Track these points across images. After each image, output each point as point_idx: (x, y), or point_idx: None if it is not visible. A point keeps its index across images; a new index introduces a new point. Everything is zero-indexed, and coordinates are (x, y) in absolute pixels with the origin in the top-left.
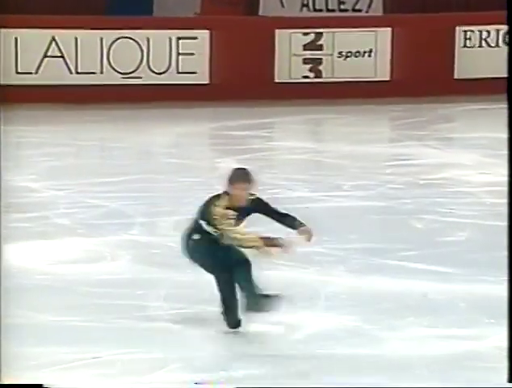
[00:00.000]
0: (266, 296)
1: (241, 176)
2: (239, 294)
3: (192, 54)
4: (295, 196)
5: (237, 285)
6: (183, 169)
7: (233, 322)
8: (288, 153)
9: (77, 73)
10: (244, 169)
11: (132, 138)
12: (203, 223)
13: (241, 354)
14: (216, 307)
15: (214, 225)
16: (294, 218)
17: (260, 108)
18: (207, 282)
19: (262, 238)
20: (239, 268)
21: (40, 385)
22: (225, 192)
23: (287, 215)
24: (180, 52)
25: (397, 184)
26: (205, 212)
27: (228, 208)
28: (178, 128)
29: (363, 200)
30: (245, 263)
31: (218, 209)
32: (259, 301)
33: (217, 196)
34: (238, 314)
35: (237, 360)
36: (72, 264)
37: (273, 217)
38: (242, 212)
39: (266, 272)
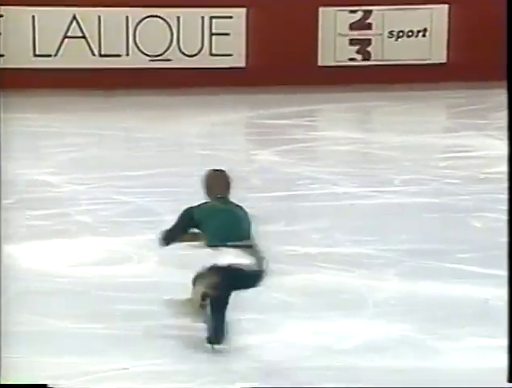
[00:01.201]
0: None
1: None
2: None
3: (227, 34)
4: (340, 191)
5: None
6: (217, 161)
7: (212, 339)
8: (333, 144)
9: (101, 55)
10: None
11: (160, 128)
12: None
13: (280, 366)
14: (252, 315)
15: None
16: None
17: (302, 95)
18: None
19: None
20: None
21: (44, 385)
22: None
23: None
24: (213, 32)
25: (454, 179)
26: None
27: None
28: (211, 116)
29: (415, 197)
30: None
31: None
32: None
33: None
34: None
35: (276, 373)
36: (94, 266)
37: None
38: None
39: (309, 276)
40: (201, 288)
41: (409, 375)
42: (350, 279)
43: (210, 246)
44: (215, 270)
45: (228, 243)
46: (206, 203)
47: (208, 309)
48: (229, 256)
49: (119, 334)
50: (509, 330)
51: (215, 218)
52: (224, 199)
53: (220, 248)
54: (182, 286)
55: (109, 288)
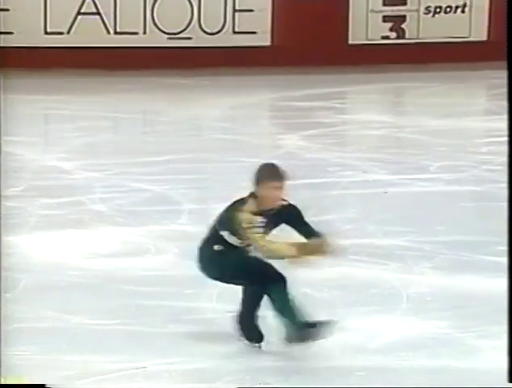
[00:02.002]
0: (311, 324)
1: (271, 173)
2: (277, 320)
3: (251, 11)
4: (371, 179)
5: (272, 307)
6: (239, 147)
7: (251, 337)
8: (364, 128)
9: (116, 33)
10: (274, 164)
11: (179, 111)
12: (224, 233)
13: (307, 365)
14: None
15: (239, 235)
16: (322, 238)
17: (330, 75)
18: None
19: (296, 245)
20: (274, 288)
21: (43, 385)
22: (252, 195)
23: (316, 234)
24: (237, 8)
25: (495, 165)
26: (227, 220)
27: (255, 213)
28: (234, 98)
29: (452, 185)
30: (281, 281)
31: (243, 216)
32: (302, 330)
33: (242, 200)
34: (256, 329)
35: (302, 373)
36: (110, 258)
37: (300, 232)
38: (272, 220)
39: (338, 270)
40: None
41: (445, 375)
42: (382, 272)
43: None
44: None
45: None
46: None
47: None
48: None
49: (136, 330)
50: (509, 330)
51: None
52: None
53: None
54: (204, 280)
55: (125, 282)
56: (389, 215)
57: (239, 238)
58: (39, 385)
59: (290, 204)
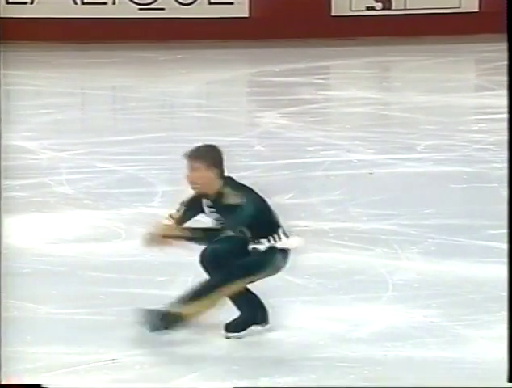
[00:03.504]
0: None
1: (190, 152)
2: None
3: None
4: (355, 159)
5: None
6: (215, 125)
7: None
8: (347, 105)
9: (83, 3)
10: (205, 145)
11: (151, 87)
12: None
13: (286, 357)
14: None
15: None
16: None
17: (312, 49)
18: None
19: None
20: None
21: (39, 385)
22: None
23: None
24: None
25: (486, 144)
26: None
27: (194, 198)
28: (209, 74)
29: (441, 165)
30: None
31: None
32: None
33: None
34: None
35: (281, 365)
36: (77, 244)
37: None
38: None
39: (320, 255)
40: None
41: (433, 366)
42: (366, 258)
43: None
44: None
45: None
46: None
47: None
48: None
49: (106, 320)
50: (508, 330)
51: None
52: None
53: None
54: (176, 266)
55: (93, 269)
56: (374, 197)
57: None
58: (35, 385)
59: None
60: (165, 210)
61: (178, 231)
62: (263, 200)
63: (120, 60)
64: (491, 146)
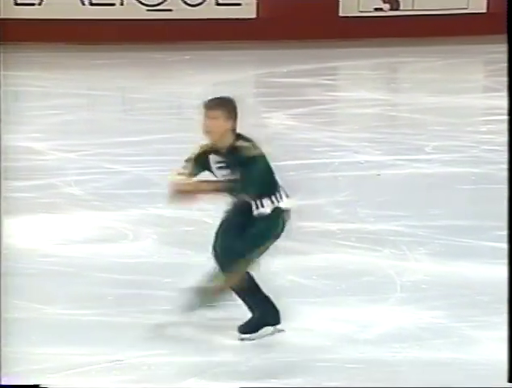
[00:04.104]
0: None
1: (212, 101)
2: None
3: None
4: (363, 160)
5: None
6: None
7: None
8: (355, 106)
9: (92, 4)
10: (222, 97)
11: (158, 88)
12: None
13: (294, 358)
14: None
15: None
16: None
17: (320, 50)
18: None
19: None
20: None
21: (37, 385)
22: None
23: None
24: None
25: (494, 145)
26: None
27: (207, 151)
28: (217, 75)
29: (449, 166)
30: None
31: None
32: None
33: None
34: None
35: (289, 366)
36: (85, 245)
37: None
38: (226, 160)
39: (328, 256)
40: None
41: (442, 368)
42: (375, 259)
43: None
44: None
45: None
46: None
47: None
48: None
49: (113, 321)
50: (509, 329)
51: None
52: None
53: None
54: (183, 267)
55: (101, 270)
56: (382, 198)
57: None
58: (33, 386)
59: (244, 147)
60: (171, 211)
61: (195, 186)
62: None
63: (128, 61)
64: (499, 147)
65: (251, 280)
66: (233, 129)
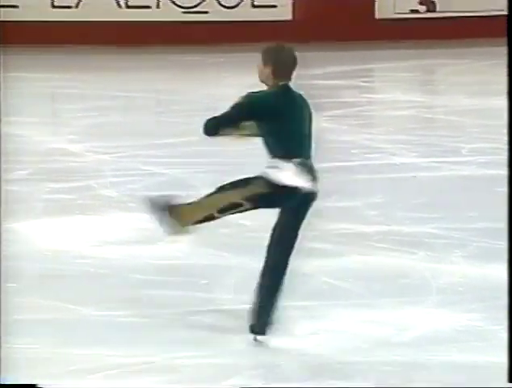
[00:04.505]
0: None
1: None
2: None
3: None
4: (399, 162)
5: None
6: None
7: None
8: (391, 108)
9: (128, 7)
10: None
11: (194, 90)
12: None
13: (329, 361)
14: (299, 302)
15: None
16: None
17: (356, 51)
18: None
19: None
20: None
21: (34, 385)
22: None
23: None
24: None
25: None
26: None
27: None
28: (252, 77)
29: (486, 168)
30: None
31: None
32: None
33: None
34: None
35: (324, 368)
36: (121, 246)
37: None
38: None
39: (364, 259)
40: (235, 196)
41: (478, 371)
42: (410, 261)
43: (273, 156)
44: (263, 181)
45: (293, 159)
46: (271, 93)
47: (257, 290)
48: (289, 173)
49: (148, 322)
50: (509, 329)
51: (281, 120)
52: (289, 87)
53: (281, 161)
54: (219, 269)
55: (137, 271)
56: (418, 200)
57: None
58: (30, 385)
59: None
60: None
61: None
62: None
63: (164, 63)
64: None
65: (281, 280)
66: (274, 75)
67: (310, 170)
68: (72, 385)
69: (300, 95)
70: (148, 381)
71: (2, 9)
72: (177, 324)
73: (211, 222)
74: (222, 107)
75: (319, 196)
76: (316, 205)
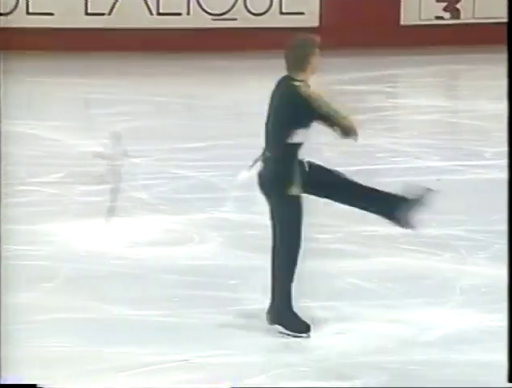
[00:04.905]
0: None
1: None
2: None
3: None
4: (423, 165)
5: None
6: None
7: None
8: (416, 112)
9: (159, 14)
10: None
11: (224, 94)
12: None
13: (354, 359)
14: (324, 302)
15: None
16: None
17: (381, 57)
18: (309, 272)
19: None
20: None
21: (34, 385)
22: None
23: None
24: None
25: None
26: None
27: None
28: None
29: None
30: None
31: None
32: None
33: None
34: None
35: (350, 367)
36: (152, 247)
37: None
38: None
39: (389, 260)
40: None
41: (501, 371)
42: (435, 263)
43: None
44: None
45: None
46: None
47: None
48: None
49: (179, 321)
50: (509, 329)
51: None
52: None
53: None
54: (248, 270)
55: (168, 271)
56: (442, 203)
57: None
58: (31, 385)
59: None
60: (236, 215)
61: None
62: None
63: (194, 69)
64: None
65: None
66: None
67: (268, 164)
68: (74, 386)
69: (284, 92)
70: (177, 380)
71: (39, 16)
72: (207, 323)
73: (239, 224)
74: (250, 111)
75: None
76: (342, 208)
